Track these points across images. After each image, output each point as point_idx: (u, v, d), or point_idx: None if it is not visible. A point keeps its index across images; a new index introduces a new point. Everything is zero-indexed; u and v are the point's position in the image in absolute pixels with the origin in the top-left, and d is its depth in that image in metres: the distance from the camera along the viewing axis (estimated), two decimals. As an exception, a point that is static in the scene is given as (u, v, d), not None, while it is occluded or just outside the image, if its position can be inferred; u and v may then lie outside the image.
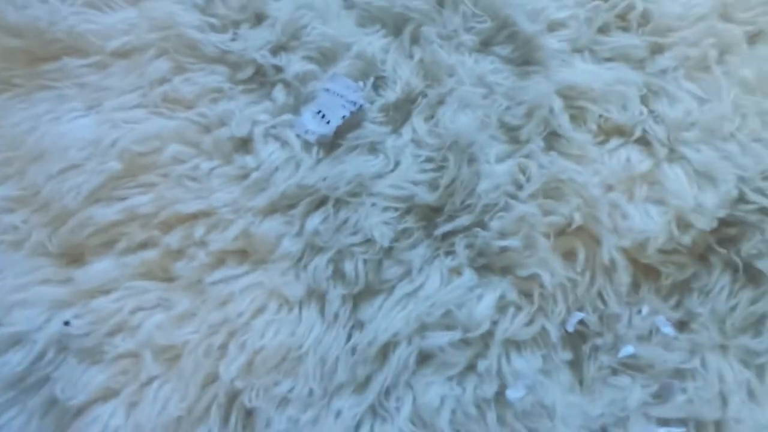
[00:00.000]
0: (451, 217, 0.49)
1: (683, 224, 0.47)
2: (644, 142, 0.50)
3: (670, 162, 0.49)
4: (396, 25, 0.54)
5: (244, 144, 0.51)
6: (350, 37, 0.52)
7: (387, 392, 0.45)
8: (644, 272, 0.47)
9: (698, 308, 0.47)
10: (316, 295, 0.47)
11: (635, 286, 0.47)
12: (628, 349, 0.45)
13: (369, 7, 0.54)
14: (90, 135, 0.49)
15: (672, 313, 0.47)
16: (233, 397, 0.45)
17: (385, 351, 0.46)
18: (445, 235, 0.49)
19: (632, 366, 0.46)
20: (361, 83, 0.51)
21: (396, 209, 0.49)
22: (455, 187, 0.49)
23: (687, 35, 0.53)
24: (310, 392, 0.45)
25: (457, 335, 0.46)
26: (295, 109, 0.51)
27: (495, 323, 0.46)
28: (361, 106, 0.50)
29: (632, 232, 0.47)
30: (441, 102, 0.51)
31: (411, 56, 0.53)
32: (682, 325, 0.47)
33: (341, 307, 0.47)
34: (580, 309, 0.47)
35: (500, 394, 0.45)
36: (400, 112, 0.52)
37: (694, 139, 0.50)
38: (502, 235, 0.48)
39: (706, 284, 0.47)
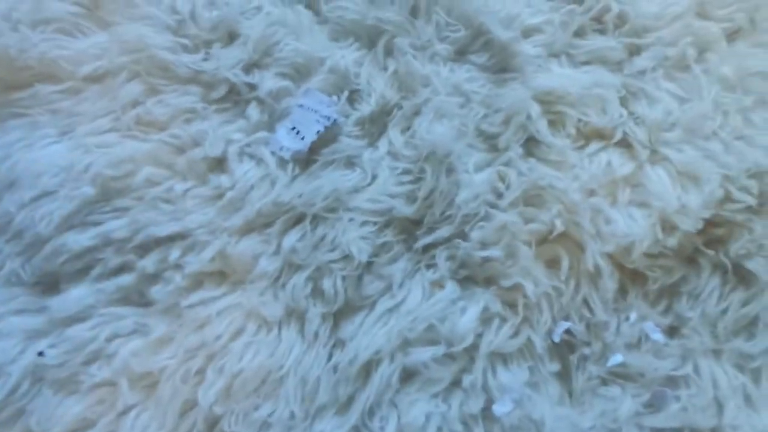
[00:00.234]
0: (431, 229, 0.48)
1: (668, 226, 0.46)
2: (625, 144, 0.49)
3: (652, 164, 0.49)
4: (370, 38, 0.53)
5: (219, 163, 0.50)
6: (323, 51, 0.52)
7: (370, 412, 0.44)
8: (631, 278, 0.46)
9: (688, 312, 0.45)
10: (296, 315, 0.46)
11: (622, 293, 0.46)
12: (617, 358, 0.44)
13: (342, 21, 0.53)
14: (62, 161, 0.48)
15: (661, 318, 0.46)
16: (213, 423, 0.44)
17: (368, 369, 0.45)
18: (426, 248, 0.48)
19: (622, 375, 0.44)
20: (335, 97, 0.51)
21: (374, 223, 0.48)
22: (434, 199, 0.48)
23: (664, 35, 0.52)
24: (292, 415, 0.44)
25: (440, 350, 0.45)
26: (270, 127, 0.51)
27: (479, 336, 0.45)
28: (335, 120, 0.49)
29: (616, 237, 0.46)
30: (417, 113, 0.50)
31: (385, 68, 0.52)
32: (672, 331, 0.46)
33: (321, 325, 0.46)
34: (566, 318, 0.45)
35: (487, 410, 0.44)
36: (375, 125, 0.51)
37: (676, 139, 0.49)
38: (484, 245, 0.47)
39: (696, 287, 0.46)
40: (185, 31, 0.52)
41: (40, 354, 0.45)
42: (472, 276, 0.47)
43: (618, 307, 0.46)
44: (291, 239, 0.47)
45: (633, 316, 0.45)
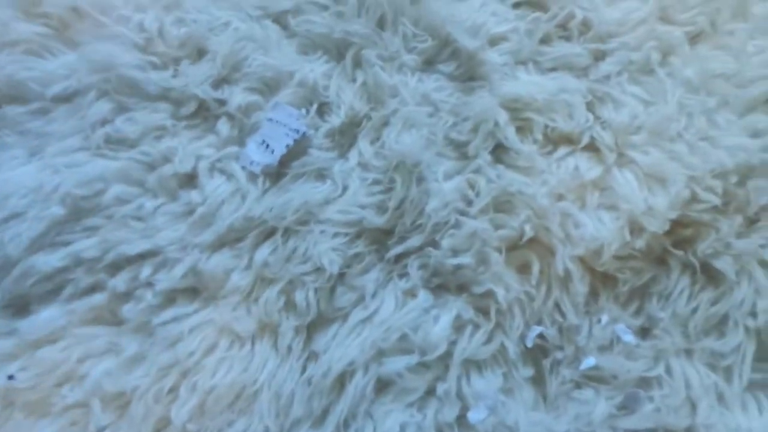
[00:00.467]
0: (402, 239, 0.48)
1: (636, 228, 0.46)
2: (592, 148, 0.50)
3: (619, 167, 0.49)
4: (338, 51, 0.54)
5: (190, 179, 0.50)
6: (292, 65, 0.52)
7: (345, 424, 0.44)
8: (601, 280, 0.47)
9: (659, 313, 0.46)
10: (269, 329, 0.46)
11: (593, 295, 0.46)
12: (589, 361, 0.44)
13: (309, 35, 0.54)
14: (31, 182, 0.48)
15: (632, 320, 0.46)
16: (187, 441, 0.44)
17: (342, 381, 0.45)
18: (398, 258, 0.48)
19: (595, 378, 0.44)
20: (304, 110, 0.51)
21: (346, 234, 0.48)
22: (404, 208, 0.48)
23: (628, 40, 0.53)
24: (266, 430, 0.43)
25: (414, 359, 0.45)
26: (240, 141, 0.51)
27: (453, 344, 0.45)
28: (304, 133, 0.50)
29: (585, 241, 0.46)
30: (385, 123, 0.51)
31: (354, 80, 0.52)
32: (644, 332, 0.46)
33: (294, 338, 0.45)
34: (539, 323, 0.46)
35: (462, 417, 0.44)
36: (345, 137, 0.51)
37: (642, 142, 0.49)
38: (455, 252, 0.47)
39: (666, 288, 0.46)
40: (154, 49, 0.53)
41: (11, 377, 0.44)
42: (444, 284, 0.47)
43: (589, 310, 0.46)
44: (263, 253, 0.47)
45: (604, 318, 0.46)
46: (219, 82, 0.52)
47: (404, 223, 0.48)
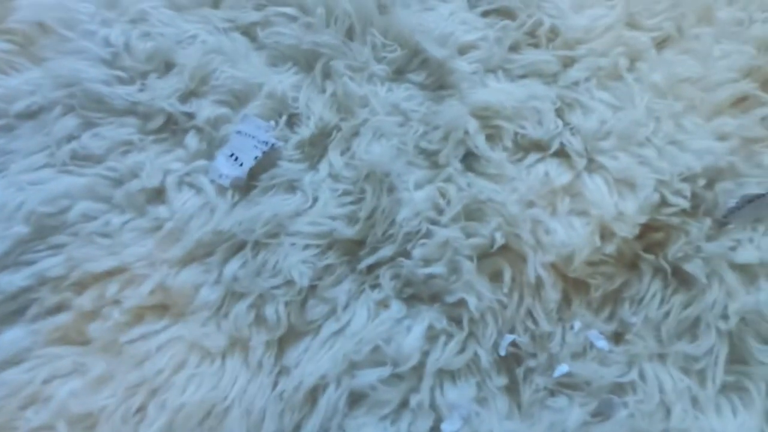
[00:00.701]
0: (373, 249, 0.48)
1: (607, 233, 0.46)
2: (562, 154, 0.50)
3: (589, 172, 0.49)
4: (307, 62, 0.53)
5: (158, 194, 0.49)
6: (260, 77, 0.52)
7: (318, 439, 0.43)
8: (573, 286, 0.46)
9: (631, 318, 0.46)
10: (239, 344, 0.45)
11: (566, 302, 0.46)
12: (562, 368, 0.44)
13: (278, 46, 0.53)
14: (-5, 200, 0.47)
15: (605, 325, 0.46)
16: (156, 461, 0.43)
17: (314, 395, 0.44)
18: (370, 268, 0.47)
19: (569, 385, 0.44)
20: (272, 122, 0.51)
21: (317, 246, 0.47)
22: (376, 218, 0.48)
23: (596, 46, 0.53)
24: (237, 447, 0.43)
25: (387, 371, 0.44)
26: (210, 155, 0.50)
27: (426, 354, 0.45)
28: (273, 145, 0.49)
29: (556, 247, 0.46)
30: (356, 134, 0.50)
31: (323, 91, 0.52)
32: (617, 338, 0.46)
33: (265, 353, 0.45)
34: (511, 331, 0.45)
35: (436, 429, 0.43)
36: (316, 148, 0.51)
37: (611, 147, 0.49)
38: (426, 262, 0.47)
39: (638, 292, 0.46)
40: (120, 63, 0.52)
41: (-27, 401, 0.43)
42: (417, 294, 0.47)
43: (562, 317, 0.46)
44: (232, 267, 0.47)
45: (577, 324, 0.45)
46: (187, 96, 0.52)
47: (375, 234, 0.48)
